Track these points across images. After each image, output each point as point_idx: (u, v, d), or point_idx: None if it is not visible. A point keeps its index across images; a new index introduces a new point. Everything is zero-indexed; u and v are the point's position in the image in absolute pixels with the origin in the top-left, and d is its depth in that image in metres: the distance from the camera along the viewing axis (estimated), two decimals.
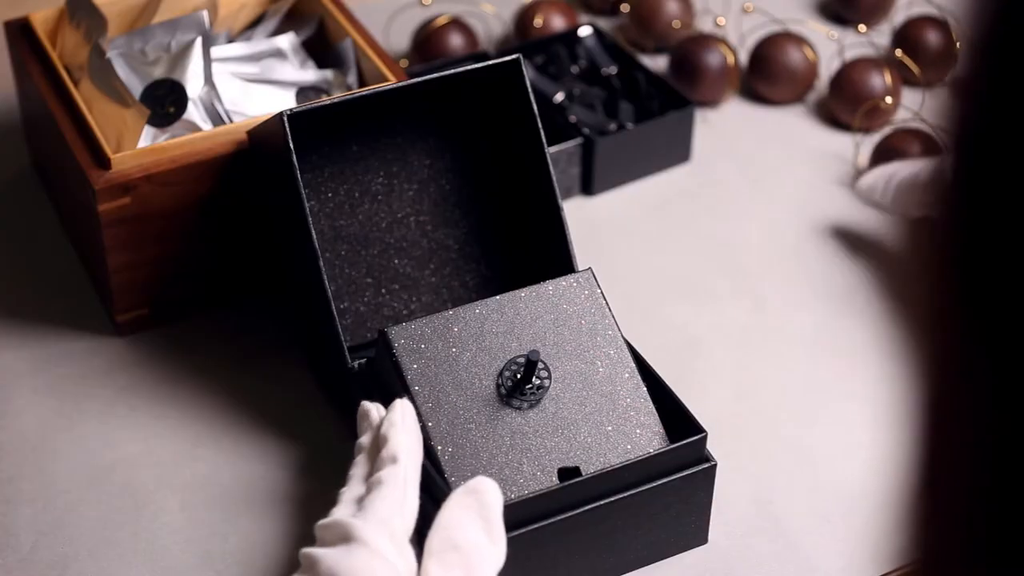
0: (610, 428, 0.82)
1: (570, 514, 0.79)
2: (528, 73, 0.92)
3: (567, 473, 0.80)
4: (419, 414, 0.80)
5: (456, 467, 0.80)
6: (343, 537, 0.71)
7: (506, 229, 0.95)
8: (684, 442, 0.81)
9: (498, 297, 0.84)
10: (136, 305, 0.97)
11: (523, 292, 0.85)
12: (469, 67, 0.88)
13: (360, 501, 0.74)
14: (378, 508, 0.72)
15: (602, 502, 0.80)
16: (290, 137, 0.84)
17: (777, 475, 0.90)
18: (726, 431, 0.91)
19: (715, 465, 0.82)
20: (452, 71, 0.88)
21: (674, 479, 0.81)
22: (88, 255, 1.01)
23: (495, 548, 0.72)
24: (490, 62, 0.89)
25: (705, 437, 0.81)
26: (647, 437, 0.82)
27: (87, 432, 0.92)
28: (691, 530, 0.84)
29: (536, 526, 0.78)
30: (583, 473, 0.80)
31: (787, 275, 1.04)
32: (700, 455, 0.82)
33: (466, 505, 0.73)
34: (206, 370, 0.96)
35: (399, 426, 0.77)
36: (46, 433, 0.92)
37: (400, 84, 0.89)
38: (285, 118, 0.84)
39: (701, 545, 0.85)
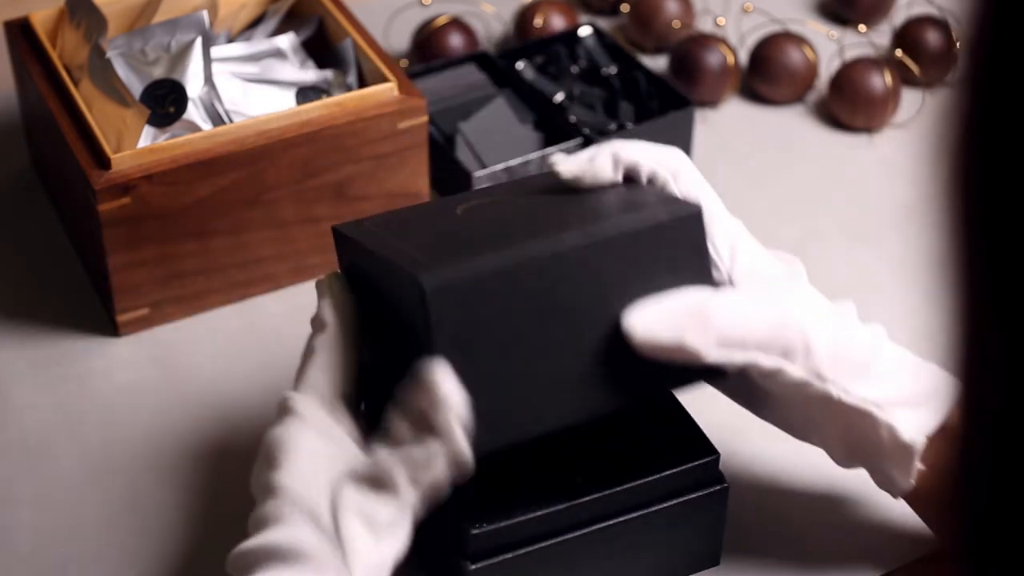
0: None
1: (581, 532, 0.77)
2: (528, 73, 0.92)
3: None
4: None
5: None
6: (281, 410, 0.73)
7: None
8: (695, 463, 0.79)
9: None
10: (136, 305, 0.97)
11: None
12: None
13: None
14: (309, 375, 0.74)
15: (612, 521, 0.78)
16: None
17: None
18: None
19: (727, 487, 0.80)
20: None
21: (685, 500, 0.79)
22: (88, 255, 1.00)
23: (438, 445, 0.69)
24: None
25: (717, 459, 0.79)
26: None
27: (87, 432, 0.92)
28: (703, 550, 0.82)
29: (546, 544, 0.77)
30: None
31: None
32: (712, 477, 0.80)
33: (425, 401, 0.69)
34: (206, 370, 0.96)
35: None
36: (46, 433, 0.92)
37: None
38: None
39: (713, 566, 0.83)
